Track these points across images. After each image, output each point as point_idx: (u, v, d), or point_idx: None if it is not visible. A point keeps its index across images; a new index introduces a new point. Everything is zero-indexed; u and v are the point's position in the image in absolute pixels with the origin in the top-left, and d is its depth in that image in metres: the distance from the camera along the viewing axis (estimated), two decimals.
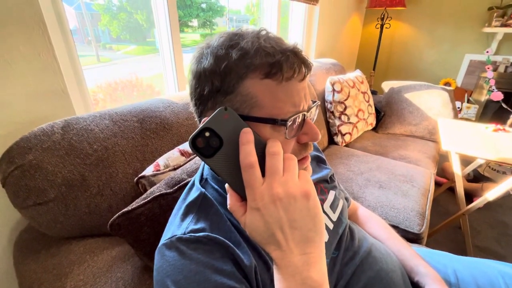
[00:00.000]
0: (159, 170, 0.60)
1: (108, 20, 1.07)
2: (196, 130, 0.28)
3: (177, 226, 0.39)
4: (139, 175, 0.60)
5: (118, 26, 1.11)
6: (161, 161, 0.62)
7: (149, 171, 0.60)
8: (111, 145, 0.62)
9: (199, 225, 0.38)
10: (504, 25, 2.20)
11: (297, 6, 1.86)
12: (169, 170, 0.61)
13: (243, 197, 0.30)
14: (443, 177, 1.85)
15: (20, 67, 0.63)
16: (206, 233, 0.36)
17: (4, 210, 0.64)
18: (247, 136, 0.29)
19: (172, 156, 0.64)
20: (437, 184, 1.78)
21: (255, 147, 0.29)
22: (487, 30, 2.28)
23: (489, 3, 2.28)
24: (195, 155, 0.65)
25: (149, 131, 0.70)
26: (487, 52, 2.35)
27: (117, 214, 0.48)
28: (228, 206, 0.30)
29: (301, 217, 0.28)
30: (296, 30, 1.95)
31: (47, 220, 0.55)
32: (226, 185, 0.31)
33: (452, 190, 1.66)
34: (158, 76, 1.16)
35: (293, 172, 0.29)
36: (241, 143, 0.29)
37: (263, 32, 0.34)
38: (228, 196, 0.31)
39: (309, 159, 0.39)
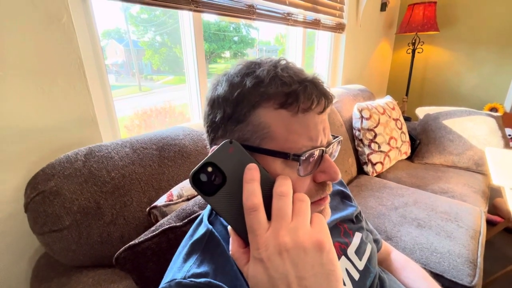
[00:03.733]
0: (172, 200, 0.58)
1: (151, 55, 1.18)
2: (198, 165, 0.26)
3: (178, 268, 0.35)
4: (151, 205, 0.58)
5: (159, 59, 1.21)
6: (175, 190, 0.61)
7: (161, 201, 0.59)
8: (128, 173, 0.63)
9: (202, 269, 0.34)
10: None
11: (323, 35, 1.88)
12: (182, 201, 0.59)
13: (247, 242, 0.26)
14: (496, 215, 1.61)
15: (56, 97, 0.68)
16: (209, 279, 0.32)
17: (27, 235, 0.66)
18: (252, 173, 0.26)
19: (186, 186, 0.62)
20: (490, 223, 1.55)
21: (262, 186, 0.26)
22: None
23: None
24: None
25: (167, 159, 0.70)
26: None
27: (123, 248, 0.47)
28: (230, 252, 0.27)
29: (313, 275, 0.23)
30: (322, 58, 1.95)
31: (60, 247, 0.55)
32: (229, 228, 0.28)
33: (508, 231, 1.43)
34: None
35: (304, 217, 0.25)
36: (245, 181, 0.25)
37: (283, 62, 0.32)
38: (230, 240, 0.27)
39: (328, 200, 0.34)
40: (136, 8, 1.07)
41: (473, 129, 1.51)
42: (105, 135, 0.82)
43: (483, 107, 2.43)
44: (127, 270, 0.47)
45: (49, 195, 0.54)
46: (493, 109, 2.39)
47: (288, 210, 0.25)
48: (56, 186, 0.55)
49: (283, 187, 0.26)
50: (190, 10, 0.92)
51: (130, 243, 0.47)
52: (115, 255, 0.47)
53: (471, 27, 2.38)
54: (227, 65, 1.52)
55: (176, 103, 1.32)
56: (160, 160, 0.69)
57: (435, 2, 2.20)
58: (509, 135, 2.27)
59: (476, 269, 0.79)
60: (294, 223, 0.24)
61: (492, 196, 1.57)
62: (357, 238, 0.49)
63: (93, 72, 0.79)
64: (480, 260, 0.83)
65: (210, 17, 1.27)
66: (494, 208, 1.64)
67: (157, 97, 1.29)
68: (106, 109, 0.84)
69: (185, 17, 1.04)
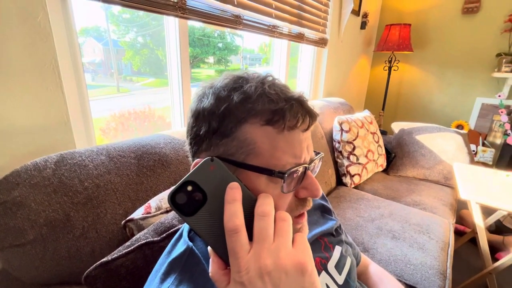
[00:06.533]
0: (149, 213, 0.55)
1: (131, 55, 1.14)
2: (177, 184, 0.25)
3: None
4: (127, 218, 0.55)
5: (140, 61, 1.17)
6: (153, 202, 0.58)
7: (138, 213, 0.56)
8: (103, 182, 0.59)
9: None
10: None
11: (306, 48, 1.93)
12: (161, 213, 0.56)
13: (228, 263, 0.25)
14: (461, 224, 1.71)
15: (26, 99, 0.64)
16: None
17: None
18: (233, 193, 0.25)
19: (165, 197, 0.60)
20: (457, 233, 1.64)
21: (244, 205, 0.25)
22: (497, 75, 2.28)
23: (496, 49, 2.31)
24: None
25: (146, 168, 0.67)
26: (499, 96, 2.33)
27: (94, 265, 0.43)
28: (210, 274, 0.26)
29: None
30: (305, 70, 2.00)
31: (22, 264, 0.50)
32: (209, 248, 0.27)
33: (472, 240, 1.52)
34: (169, 108, 1.19)
35: (285, 238, 0.25)
36: (226, 201, 0.25)
37: (269, 78, 0.33)
38: (210, 261, 0.26)
39: (306, 216, 0.34)
40: (117, 7, 1.04)
41: (442, 144, 1.61)
42: (78, 140, 0.77)
43: (451, 124, 2.61)
44: None
45: (12, 206, 0.49)
46: (459, 126, 2.58)
47: (270, 230, 0.25)
48: (21, 196, 0.50)
49: (265, 206, 0.26)
50: (177, 16, 0.91)
51: (102, 260, 0.44)
52: (85, 273, 0.43)
53: (440, 51, 2.57)
54: (210, 71, 1.52)
55: (156, 106, 1.28)
56: (138, 169, 0.66)
57: (410, 25, 2.36)
58: (474, 151, 2.45)
59: (445, 280, 0.83)
60: (275, 244, 0.24)
61: (459, 207, 1.68)
62: (337, 251, 0.50)
63: (69, 73, 0.74)
64: (449, 271, 0.88)
65: (194, 23, 1.26)
66: (459, 219, 1.75)
67: (136, 99, 1.25)
68: (81, 113, 0.80)
69: (170, 22, 1.02)
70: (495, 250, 1.46)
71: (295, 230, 0.33)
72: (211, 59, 1.50)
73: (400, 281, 0.60)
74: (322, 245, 0.49)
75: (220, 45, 1.54)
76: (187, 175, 0.25)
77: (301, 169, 0.31)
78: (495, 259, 1.24)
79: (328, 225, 0.53)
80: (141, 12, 1.08)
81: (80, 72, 0.78)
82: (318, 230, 0.51)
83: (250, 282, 0.23)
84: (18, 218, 0.49)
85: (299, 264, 0.24)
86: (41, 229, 0.50)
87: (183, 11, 0.91)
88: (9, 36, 0.58)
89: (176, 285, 0.33)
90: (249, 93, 0.30)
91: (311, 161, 0.33)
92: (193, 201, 0.25)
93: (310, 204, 0.34)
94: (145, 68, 1.21)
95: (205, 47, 1.43)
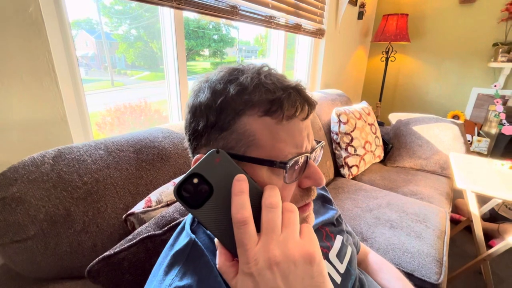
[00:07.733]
0: (150, 207, 0.55)
1: (125, 48, 1.12)
2: (183, 177, 0.25)
3: (159, 281, 0.34)
4: (128, 212, 0.55)
5: (134, 54, 1.16)
6: (154, 196, 0.58)
7: (139, 207, 0.56)
8: (102, 177, 0.59)
9: (185, 281, 0.33)
10: (510, 60, 2.21)
11: (303, 39, 1.91)
12: (162, 207, 0.56)
13: (235, 255, 0.25)
14: (456, 213, 1.75)
15: (20, 94, 0.62)
16: None
17: None
18: (240, 185, 0.25)
19: (166, 191, 0.60)
20: (452, 221, 1.67)
21: (250, 196, 0.25)
22: (494, 65, 2.28)
23: (493, 39, 2.31)
24: None
25: (145, 162, 0.67)
26: (495, 86, 2.34)
27: (96, 259, 0.43)
28: (217, 266, 0.26)
29: (303, 287, 0.23)
30: (302, 61, 1.99)
31: (23, 259, 0.50)
32: (216, 241, 0.27)
33: (467, 228, 1.55)
34: (165, 101, 1.17)
35: (293, 229, 0.25)
36: (234, 194, 0.25)
37: (265, 68, 0.32)
38: (217, 253, 0.26)
39: (312, 206, 0.35)
40: None
41: (439, 135, 1.62)
42: (75, 135, 0.76)
43: (447, 114, 2.62)
44: (101, 283, 0.44)
45: (11, 202, 0.49)
46: (455, 117, 2.59)
47: (278, 222, 0.25)
48: (20, 191, 0.49)
49: (272, 198, 0.26)
50: (172, 7, 0.89)
51: (105, 253, 0.44)
52: (88, 267, 0.43)
53: (437, 41, 2.56)
54: (206, 63, 1.50)
55: (152, 100, 1.27)
56: (137, 163, 0.65)
57: (407, 15, 2.34)
58: (469, 141, 2.47)
59: (442, 267, 0.85)
60: (283, 235, 0.24)
61: (454, 197, 1.70)
62: (338, 241, 0.50)
63: (64, 66, 0.73)
64: (445, 258, 0.90)
65: (190, 14, 1.24)
66: (455, 208, 1.78)
67: (131, 93, 1.23)
68: (77, 107, 0.79)
69: (165, 13, 1.00)
70: (489, 237, 1.49)
71: (302, 220, 0.34)
72: (206, 52, 1.48)
73: (398, 269, 0.61)
74: (323, 234, 0.50)
75: (215, 37, 1.51)
76: (192, 167, 0.25)
77: (302, 158, 0.31)
78: (489, 246, 1.27)
79: (329, 214, 0.54)
80: (133, 3, 1.05)
81: (75, 66, 0.77)
82: (319, 220, 0.51)
83: (259, 273, 0.23)
84: (17, 214, 0.49)
85: (308, 254, 0.24)
86: (41, 225, 0.50)
87: (179, 2, 0.89)
88: (1, 29, 0.57)
89: (180, 277, 0.33)
90: (245, 85, 0.30)
91: (312, 150, 0.33)
92: (199, 193, 0.25)
93: (314, 194, 0.34)
94: (140, 61, 1.20)
95: (200, 39, 1.41)
